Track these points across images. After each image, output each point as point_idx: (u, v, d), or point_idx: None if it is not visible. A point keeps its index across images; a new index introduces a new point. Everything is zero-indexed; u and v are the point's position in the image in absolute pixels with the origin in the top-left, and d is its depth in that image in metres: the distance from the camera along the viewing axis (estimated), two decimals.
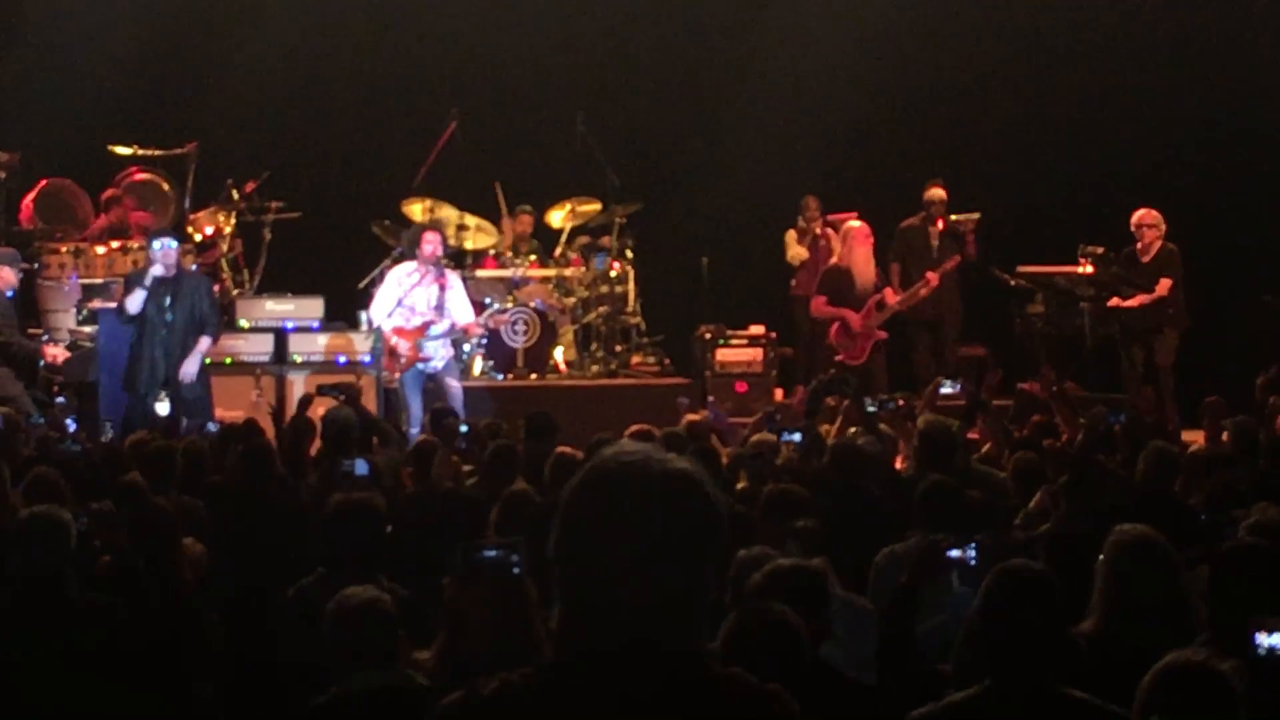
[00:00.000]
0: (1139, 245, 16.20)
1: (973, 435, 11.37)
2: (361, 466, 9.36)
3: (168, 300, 13.70)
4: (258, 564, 8.31)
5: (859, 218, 16.61)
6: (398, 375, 14.89)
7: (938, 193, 16.88)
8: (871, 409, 11.32)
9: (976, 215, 16.82)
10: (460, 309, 15.01)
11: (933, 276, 16.38)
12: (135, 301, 13.73)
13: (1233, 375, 14.86)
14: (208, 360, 14.13)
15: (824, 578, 6.09)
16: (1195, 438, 12.57)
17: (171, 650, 6.91)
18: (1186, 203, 17.31)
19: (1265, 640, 4.53)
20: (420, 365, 14.79)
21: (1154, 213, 16.18)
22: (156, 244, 13.87)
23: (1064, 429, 11.41)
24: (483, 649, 5.43)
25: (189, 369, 13.89)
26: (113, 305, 14.92)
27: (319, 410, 11.38)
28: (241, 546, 8.49)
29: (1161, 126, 18.54)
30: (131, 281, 14.02)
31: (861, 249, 16.28)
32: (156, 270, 13.69)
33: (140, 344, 13.73)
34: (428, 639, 6.07)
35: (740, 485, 9.36)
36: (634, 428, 11.02)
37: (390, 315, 14.85)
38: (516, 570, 5.00)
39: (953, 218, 16.75)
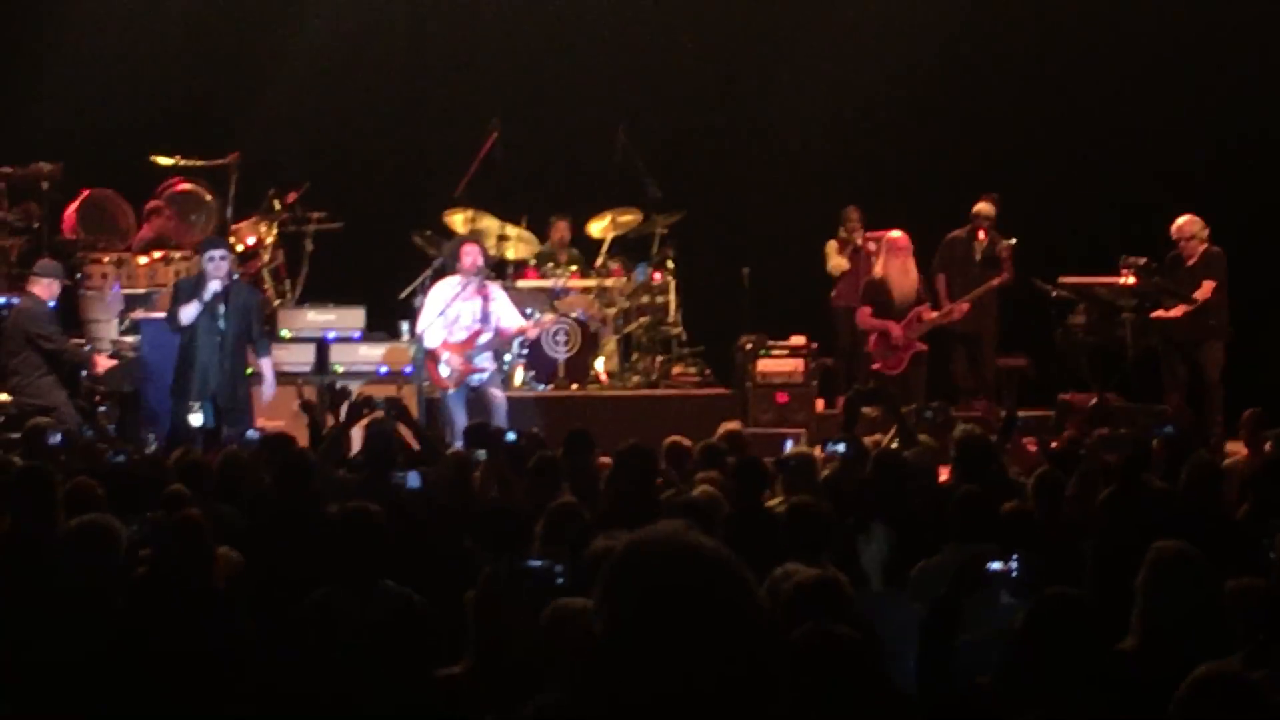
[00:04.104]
0: (1181, 251, 16.01)
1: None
2: (414, 479, 9.31)
3: (221, 309, 13.65)
4: (295, 574, 8.27)
5: (900, 229, 16.53)
6: (448, 389, 14.88)
7: (984, 206, 16.76)
8: (928, 416, 11.34)
9: (1013, 241, 16.76)
10: (507, 315, 15.04)
11: (959, 306, 16.31)
12: (189, 313, 13.62)
13: (1274, 386, 14.77)
14: (249, 370, 14.15)
15: (847, 587, 6.05)
16: (1238, 448, 12.51)
17: (206, 659, 6.88)
18: (1231, 212, 17.20)
19: None
20: (470, 378, 14.81)
21: (1194, 221, 15.89)
22: (209, 254, 13.77)
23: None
24: (520, 659, 5.40)
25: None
26: (156, 315, 14.92)
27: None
28: (279, 557, 8.45)
29: (1205, 135, 18.42)
30: (181, 290, 13.97)
31: (897, 260, 16.12)
32: (215, 286, 13.57)
33: (191, 353, 13.68)
34: (459, 650, 6.07)
35: (778, 498, 9.34)
36: (670, 440, 11.05)
37: (433, 328, 14.86)
38: (560, 581, 5.01)
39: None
